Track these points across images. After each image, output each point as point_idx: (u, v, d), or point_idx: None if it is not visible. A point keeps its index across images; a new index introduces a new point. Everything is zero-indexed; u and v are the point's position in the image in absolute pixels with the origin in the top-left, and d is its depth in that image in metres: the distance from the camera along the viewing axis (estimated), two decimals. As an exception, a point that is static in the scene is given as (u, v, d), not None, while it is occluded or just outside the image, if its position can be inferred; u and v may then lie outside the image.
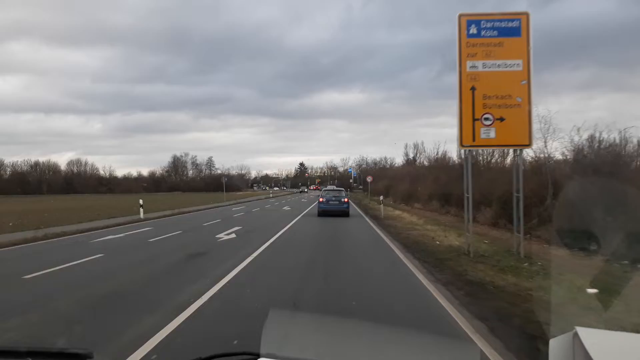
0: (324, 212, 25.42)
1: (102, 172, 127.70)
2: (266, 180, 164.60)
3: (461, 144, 11.87)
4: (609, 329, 0.91)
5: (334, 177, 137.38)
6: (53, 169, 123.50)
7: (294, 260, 10.71)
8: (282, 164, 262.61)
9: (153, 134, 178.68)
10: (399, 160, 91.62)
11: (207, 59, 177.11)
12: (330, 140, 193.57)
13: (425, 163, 67.38)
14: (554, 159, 20.47)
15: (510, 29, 11.83)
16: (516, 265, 9.97)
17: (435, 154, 44.76)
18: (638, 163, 19.62)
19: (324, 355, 1.19)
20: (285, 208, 35.19)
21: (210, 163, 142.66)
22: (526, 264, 10.09)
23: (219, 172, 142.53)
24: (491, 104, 11.79)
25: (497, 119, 11.75)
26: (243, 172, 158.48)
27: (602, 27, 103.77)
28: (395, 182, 57.36)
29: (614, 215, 12.68)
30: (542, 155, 18.91)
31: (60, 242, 14.77)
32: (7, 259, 11.54)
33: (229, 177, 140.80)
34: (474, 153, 40.65)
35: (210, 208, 35.74)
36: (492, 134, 11.75)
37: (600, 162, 17.51)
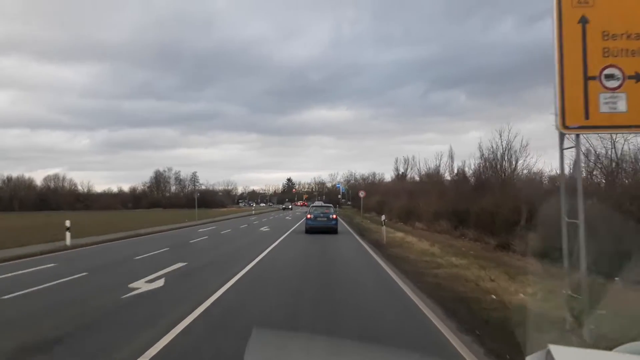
0: (312, 229, 24.59)
1: (80, 187, 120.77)
2: (253, 196, 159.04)
3: (563, 126, 6.16)
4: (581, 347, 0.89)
5: (322, 192, 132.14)
6: (27, 184, 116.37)
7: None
8: (270, 180, 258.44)
9: (141, 150, 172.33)
10: (388, 176, 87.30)
11: (197, 75, 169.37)
12: (318, 156, 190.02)
13: (417, 178, 62.62)
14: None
15: None
16: None
17: (437, 166, 39.28)
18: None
19: None
20: (264, 229, 29.23)
21: (194, 179, 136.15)
22: None
23: (203, 187, 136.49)
24: (619, 48, 6.16)
25: (631, 77, 6.12)
26: (229, 187, 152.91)
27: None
28: (388, 198, 51.74)
29: None
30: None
31: None
32: None
33: (213, 193, 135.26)
34: (486, 158, 36.13)
35: (174, 229, 29.68)
36: (622, 105, 6.10)
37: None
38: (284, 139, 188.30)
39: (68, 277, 10.50)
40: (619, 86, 6.12)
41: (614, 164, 16.54)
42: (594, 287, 6.46)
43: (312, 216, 25.50)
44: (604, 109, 6.11)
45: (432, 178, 41.38)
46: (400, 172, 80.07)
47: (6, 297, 8.43)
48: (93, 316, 7.02)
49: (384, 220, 21.72)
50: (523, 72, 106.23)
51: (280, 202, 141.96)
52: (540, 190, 27.35)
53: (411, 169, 74.35)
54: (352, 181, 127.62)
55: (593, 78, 6.14)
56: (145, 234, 24.66)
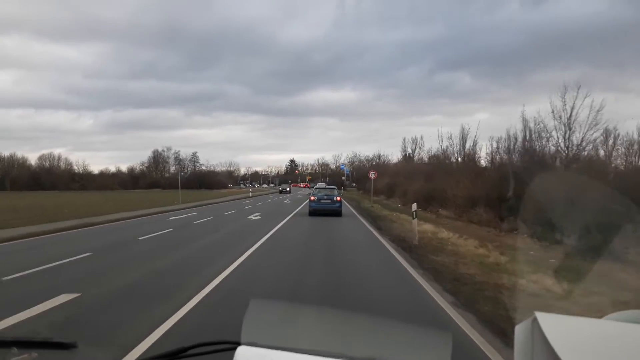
0: (315, 212, 23.79)
1: (75, 167, 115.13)
2: (255, 178, 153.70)
3: None
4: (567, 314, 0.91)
5: (325, 174, 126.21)
6: (20, 163, 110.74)
7: None
8: (273, 162, 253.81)
9: (145, 131, 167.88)
10: (394, 158, 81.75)
11: (199, 55, 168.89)
12: (322, 138, 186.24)
13: (425, 159, 56.87)
14: None
15: None
16: None
17: (471, 145, 32.61)
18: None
19: (304, 344, 1.09)
20: (253, 217, 23.11)
21: (194, 159, 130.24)
22: None
23: (203, 168, 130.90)
24: None
25: None
26: (232, 168, 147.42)
27: (593, 27, 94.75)
28: (399, 180, 45.52)
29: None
30: None
31: None
32: None
33: (214, 174, 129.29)
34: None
35: (143, 216, 23.63)
36: None
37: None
38: (287, 121, 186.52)
39: None
40: None
41: None
42: None
43: (315, 198, 24.36)
44: None
45: (468, 159, 34.99)
46: (408, 153, 74.63)
47: None
48: None
49: (414, 212, 15.38)
50: (529, 53, 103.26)
51: (284, 182, 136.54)
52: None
53: (419, 149, 68.76)
54: (357, 163, 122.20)
55: None
56: (94, 224, 18.63)
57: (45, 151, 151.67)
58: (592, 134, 19.54)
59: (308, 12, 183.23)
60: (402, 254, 11.55)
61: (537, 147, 21.39)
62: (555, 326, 0.87)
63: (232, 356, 1.01)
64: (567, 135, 19.67)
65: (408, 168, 47.89)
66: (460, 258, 10.86)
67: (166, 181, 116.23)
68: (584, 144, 19.64)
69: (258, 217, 22.70)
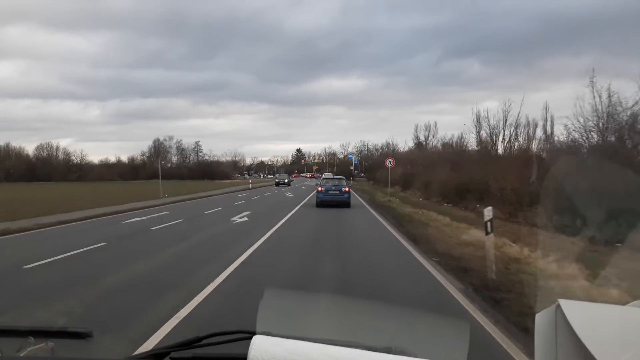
0: (323, 203, 22.62)
1: (73, 157, 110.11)
2: (261, 168, 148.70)
3: None
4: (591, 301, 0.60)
5: (332, 164, 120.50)
6: (16, 153, 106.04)
7: None
8: (280, 151, 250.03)
9: (152, 121, 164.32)
10: (404, 146, 76.26)
11: (206, 44, 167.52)
12: (329, 127, 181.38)
13: (439, 147, 51.29)
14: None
15: None
16: None
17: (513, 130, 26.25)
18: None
19: (320, 333, 1.10)
20: (238, 219, 17.24)
21: (197, 148, 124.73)
22: None
23: (206, 158, 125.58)
24: None
25: None
26: (237, 158, 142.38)
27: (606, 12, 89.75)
28: (418, 170, 39.55)
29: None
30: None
31: None
32: None
33: (217, 164, 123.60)
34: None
35: (100, 216, 17.92)
36: None
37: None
38: (294, 110, 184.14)
39: None
40: None
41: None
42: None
43: (323, 189, 23.55)
44: None
45: (520, 145, 28.91)
46: (421, 140, 68.85)
47: None
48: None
49: (489, 224, 9.16)
50: (539, 40, 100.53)
51: (282, 173, 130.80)
52: None
53: (433, 136, 63.33)
54: (365, 152, 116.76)
55: None
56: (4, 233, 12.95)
57: (53, 141, 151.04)
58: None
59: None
60: (491, 313, 5.72)
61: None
62: (579, 313, 0.85)
63: (247, 345, 0.97)
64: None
65: (430, 156, 41.82)
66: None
67: (167, 172, 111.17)
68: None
69: (244, 220, 16.86)
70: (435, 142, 61.48)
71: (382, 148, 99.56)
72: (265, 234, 12.69)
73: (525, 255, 10.36)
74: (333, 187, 23.47)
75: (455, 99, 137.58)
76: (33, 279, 7.69)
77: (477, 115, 28.72)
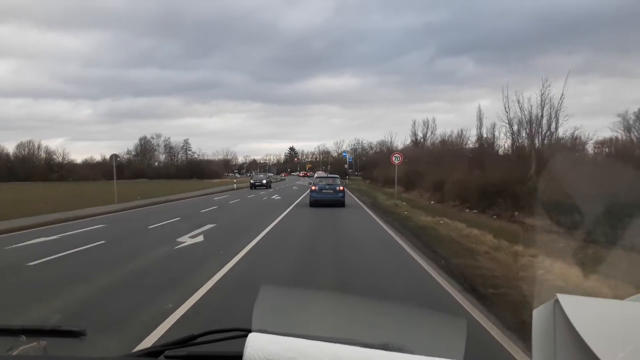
0: (317, 202, 21.65)
1: (55, 157, 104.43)
2: (253, 166, 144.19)
3: None
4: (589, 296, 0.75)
5: (326, 162, 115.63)
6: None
7: None
8: (273, 150, 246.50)
9: (144, 120, 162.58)
10: (399, 144, 72.44)
11: (199, 43, 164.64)
12: (323, 126, 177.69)
13: (438, 143, 47.77)
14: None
15: None
16: None
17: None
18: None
19: (316, 330, 1.08)
20: (189, 240, 11.93)
21: (186, 147, 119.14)
22: None
23: (196, 156, 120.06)
24: None
25: None
26: (229, 157, 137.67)
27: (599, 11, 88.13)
28: (424, 168, 34.34)
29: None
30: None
31: None
32: None
33: (207, 162, 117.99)
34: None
35: (13, 232, 12.63)
36: None
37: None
38: (288, 108, 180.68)
39: None
40: None
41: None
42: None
43: (316, 188, 22.48)
44: None
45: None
46: (420, 137, 64.63)
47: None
48: None
49: None
50: (533, 39, 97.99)
51: (282, 172, 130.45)
52: None
53: (431, 133, 59.69)
54: (360, 150, 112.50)
55: None
56: None
57: (44, 141, 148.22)
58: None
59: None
60: None
61: None
62: (577, 308, 0.84)
63: (242, 343, 0.95)
64: None
65: (435, 152, 36.63)
66: None
67: (153, 171, 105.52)
68: None
69: (197, 240, 11.45)
70: (433, 138, 57.83)
71: (377, 146, 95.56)
72: (220, 271, 7.50)
73: None
74: (327, 186, 22.51)
75: (448, 98, 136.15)
76: None
77: (506, 105, 23.41)
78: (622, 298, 0.99)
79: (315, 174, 48.29)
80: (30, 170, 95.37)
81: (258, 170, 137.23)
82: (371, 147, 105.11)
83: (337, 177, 24.83)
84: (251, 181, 46.89)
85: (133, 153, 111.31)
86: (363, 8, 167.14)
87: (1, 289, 7.03)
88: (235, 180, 59.49)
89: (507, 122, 23.44)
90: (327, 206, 20.93)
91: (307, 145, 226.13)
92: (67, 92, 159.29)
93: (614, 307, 0.89)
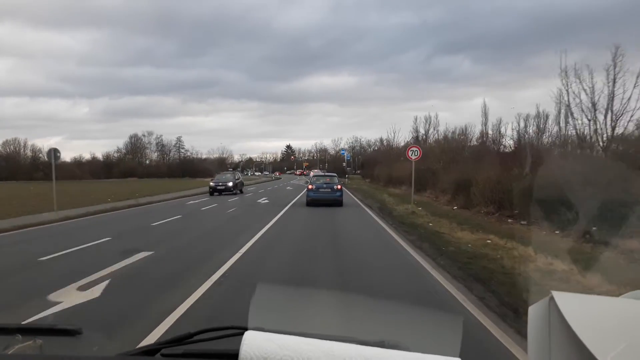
0: (314, 202, 21.12)
1: (41, 155, 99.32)
2: (249, 165, 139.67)
3: None
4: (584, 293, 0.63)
5: (324, 160, 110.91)
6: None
7: None
8: (270, 149, 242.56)
9: (141, 118, 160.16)
10: (399, 140, 68.28)
11: (195, 42, 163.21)
12: (320, 124, 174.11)
13: (441, 140, 43.72)
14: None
15: None
16: None
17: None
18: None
19: (313, 328, 1.07)
20: (71, 301, 6.91)
21: (178, 145, 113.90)
22: None
23: (189, 154, 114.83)
24: None
25: None
26: (225, 155, 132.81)
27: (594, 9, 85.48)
28: (437, 166, 29.30)
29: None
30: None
31: None
32: None
33: (200, 161, 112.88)
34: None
35: None
36: None
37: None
38: (285, 107, 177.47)
39: None
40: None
41: None
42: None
43: (314, 187, 21.67)
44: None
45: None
46: (421, 134, 60.44)
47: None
48: None
49: None
50: (529, 38, 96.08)
51: (279, 170, 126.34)
52: None
53: (434, 129, 55.46)
54: (358, 147, 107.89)
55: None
56: None
57: (39, 140, 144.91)
58: None
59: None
60: None
61: None
62: (573, 305, 0.84)
63: (239, 341, 0.95)
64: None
65: (449, 148, 31.58)
66: None
67: (144, 170, 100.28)
68: None
69: (90, 298, 6.37)
70: (436, 135, 54.01)
71: (376, 143, 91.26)
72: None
73: None
74: (324, 185, 21.79)
75: (445, 96, 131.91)
76: None
77: (560, 96, 18.57)
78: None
79: (312, 173, 43.91)
80: (15, 168, 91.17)
81: (254, 169, 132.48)
82: (369, 145, 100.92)
83: (334, 176, 23.98)
84: (211, 184, 32.31)
85: (123, 151, 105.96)
86: (360, 6, 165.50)
87: None
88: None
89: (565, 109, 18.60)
90: (325, 206, 20.15)
91: (304, 144, 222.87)
92: (64, 91, 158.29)
93: (609, 304, 0.89)
